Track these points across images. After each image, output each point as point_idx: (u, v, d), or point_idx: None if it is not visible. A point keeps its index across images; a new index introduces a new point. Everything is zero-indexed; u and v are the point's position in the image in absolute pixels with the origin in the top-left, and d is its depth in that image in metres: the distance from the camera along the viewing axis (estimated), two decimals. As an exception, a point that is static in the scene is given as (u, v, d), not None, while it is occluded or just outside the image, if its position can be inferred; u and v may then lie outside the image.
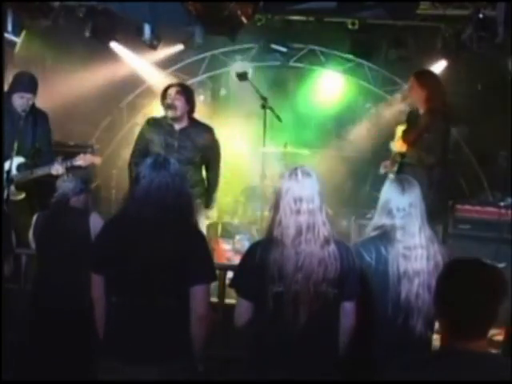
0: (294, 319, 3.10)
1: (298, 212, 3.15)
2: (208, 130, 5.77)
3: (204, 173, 5.83)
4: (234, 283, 3.31)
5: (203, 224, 5.76)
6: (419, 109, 5.73)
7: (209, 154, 5.74)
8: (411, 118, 5.81)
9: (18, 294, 5.10)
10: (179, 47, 8.21)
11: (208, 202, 5.83)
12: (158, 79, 8.39)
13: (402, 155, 5.74)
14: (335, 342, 3.23)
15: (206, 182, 5.84)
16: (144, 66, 8.52)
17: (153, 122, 5.74)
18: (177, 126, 5.59)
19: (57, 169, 5.49)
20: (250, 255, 3.24)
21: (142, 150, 5.64)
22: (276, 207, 3.20)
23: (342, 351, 3.26)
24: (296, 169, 3.25)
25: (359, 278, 3.29)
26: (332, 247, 3.16)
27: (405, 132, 5.76)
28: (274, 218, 3.19)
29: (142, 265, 3.11)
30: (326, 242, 3.16)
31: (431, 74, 5.99)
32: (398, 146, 5.81)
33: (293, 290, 3.09)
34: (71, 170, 5.51)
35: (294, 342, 3.12)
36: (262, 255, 3.14)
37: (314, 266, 3.11)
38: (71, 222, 4.63)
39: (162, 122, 5.63)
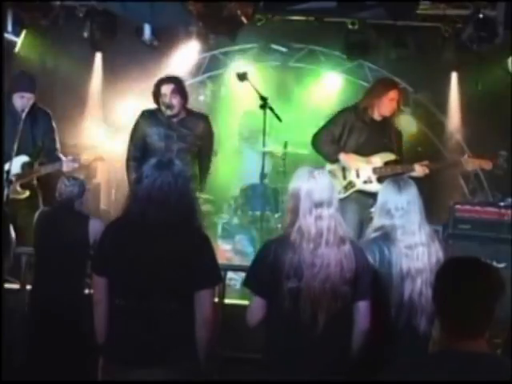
0: (311, 319, 3.08)
1: (320, 217, 3.13)
2: (204, 118, 5.82)
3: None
4: (247, 281, 3.28)
5: None
6: (372, 114, 5.80)
7: (205, 142, 5.75)
8: (370, 125, 5.82)
9: (18, 294, 5.11)
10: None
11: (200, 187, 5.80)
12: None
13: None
14: (347, 343, 3.21)
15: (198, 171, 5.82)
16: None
17: (148, 115, 5.71)
18: (174, 118, 5.60)
19: (68, 165, 5.52)
20: (264, 252, 3.22)
21: (139, 144, 5.64)
22: (294, 211, 3.17)
23: (356, 352, 3.24)
24: (313, 171, 3.22)
25: (372, 278, 3.29)
26: (348, 247, 3.16)
27: (388, 144, 5.80)
28: (293, 221, 3.16)
29: (145, 266, 3.10)
30: (342, 241, 3.15)
31: None
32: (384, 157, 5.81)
33: (309, 288, 3.07)
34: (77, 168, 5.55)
35: (311, 342, 3.10)
36: (277, 253, 3.12)
37: (331, 267, 3.10)
38: (72, 225, 4.67)
39: (158, 114, 5.63)
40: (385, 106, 5.77)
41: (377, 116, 5.83)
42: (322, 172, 3.23)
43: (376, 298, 3.39)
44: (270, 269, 3.12)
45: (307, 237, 3.12)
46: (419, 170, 5.58)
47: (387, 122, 5.83)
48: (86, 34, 7.38)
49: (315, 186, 3.15)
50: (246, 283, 3.30)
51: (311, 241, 3.11)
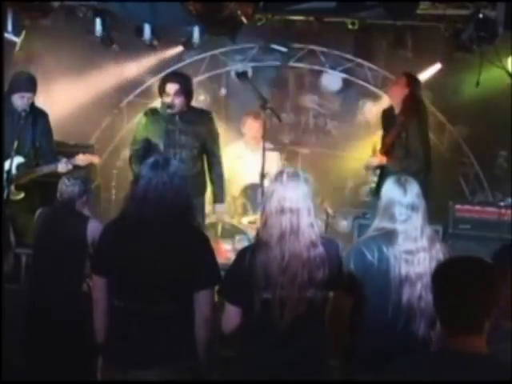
0: (279, 323, 3.07)
1: (282, 211, 3.10)
2: (207, 114, 5.87)
3: (206, 164, 5.84)
4: (222, 290, 3.25)
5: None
6: (395, 109, 6.01)
7: (208, 138, 5.75)
8: (387, 120, 6.06)
9: (18, 294, 5.11)
10: (179, 49, 8.18)
11: (218, 196, 5.85)
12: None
13: (383, 168, 5.86)
14: (321, 344, 3.20)
15: (208, 173, 5.85)
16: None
17: (151, 112, 5.75)
18: (176, 114, 5.62)
19: (63, 167, 5.53)
20: (239, 261, 3.20)
21: (141, 141, 5.66)
22: (263, 210, 3.18)
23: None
24: (282, 171, 3.22)
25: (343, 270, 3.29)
26: (319, 250, 3.11)
27: (382, 138, 5.90)
28: (261, 220, 3.18)
29: (143, 267, 3.10)
30: (313, 244, 3.11)
31: (415, 76, 6.30)
32: (378, 160, 5.90)
33: (279, 294, 3.06)
34: (72, 169, 5.56)
35: (280, 344, 3.11)
36: (251, 260, 3.11)
37: (298, 268, 3.06)
38: (70, 225, 4.68)
39: (160, 110, 5.66)
40: (390, 96, 6.20)
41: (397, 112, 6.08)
42: (291, 173, 3.20)
43: (373, 299, 3.40)
44: (244, 278, 3.11)
45: (271, 232, 3.10)
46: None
47: (401, 119, 5.96)
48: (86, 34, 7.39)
49: (281, 186, 3.15)
50: (220, 291, 3.26)
51: (276, 235, 3.09)
